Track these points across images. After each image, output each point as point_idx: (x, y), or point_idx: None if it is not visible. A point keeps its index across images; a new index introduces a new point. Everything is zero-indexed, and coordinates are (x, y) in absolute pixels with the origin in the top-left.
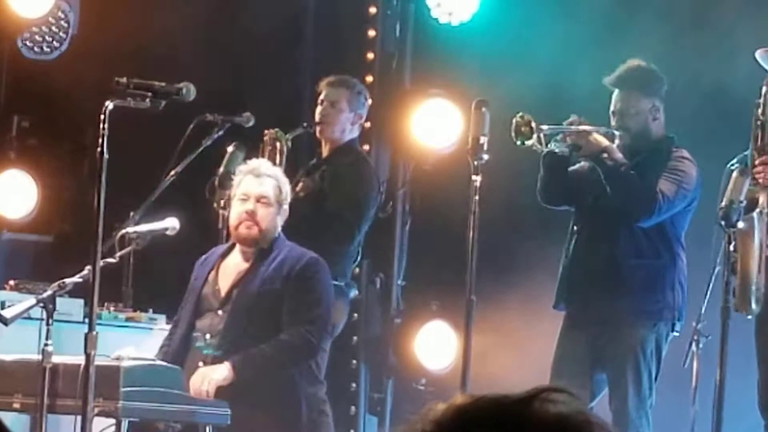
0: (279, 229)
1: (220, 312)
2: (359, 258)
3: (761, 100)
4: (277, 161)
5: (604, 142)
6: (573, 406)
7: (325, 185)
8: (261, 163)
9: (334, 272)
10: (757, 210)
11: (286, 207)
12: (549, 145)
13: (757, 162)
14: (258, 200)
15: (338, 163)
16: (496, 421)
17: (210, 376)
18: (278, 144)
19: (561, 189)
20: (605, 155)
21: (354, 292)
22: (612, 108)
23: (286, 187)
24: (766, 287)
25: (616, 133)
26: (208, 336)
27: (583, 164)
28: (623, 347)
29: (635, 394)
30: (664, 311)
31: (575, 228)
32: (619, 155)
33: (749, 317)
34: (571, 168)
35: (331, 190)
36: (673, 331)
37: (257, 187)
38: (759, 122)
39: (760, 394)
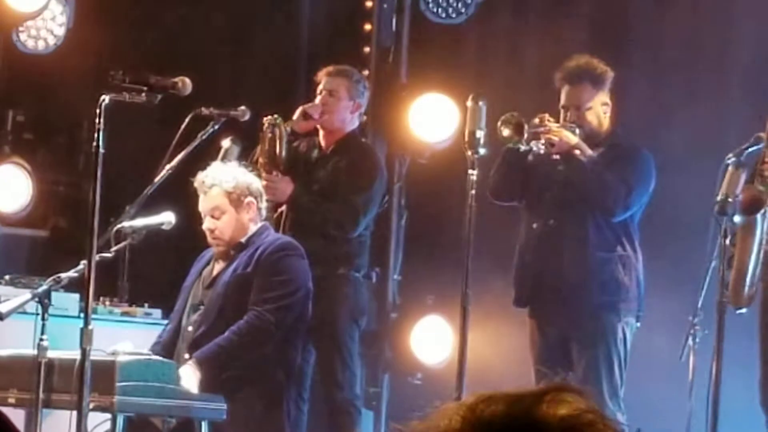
0: (254, 223)
1: (202, 306)
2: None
3: None
4: (277, 148)
5: (575, 138)
6: (583, 404)
7: (335, 178)
8: (204, 175)
9: (353, 263)
10: (762, 211)
11: (249, 199)
12: (530, 144)
13: (766, 160)
14: (211, 215)
15: (345, 155)
16: (507, 420)
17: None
18: (277, 130)
19: (517, 184)
20: (577, 152)
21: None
22: (563, 103)
23: (239, 180)
24: (765, 282)
25: (577, 130)
26: (190, 329)
27: (535, 159)
28: (594, 338)
29: (608, 382)
30: (631, 302)
31: (534, 225)
32: (589, 151)
33: (740, 311)
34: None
35: (342, 181)
36: (637, 322)
37: (205, 203)
38: None
39: (762, 390)
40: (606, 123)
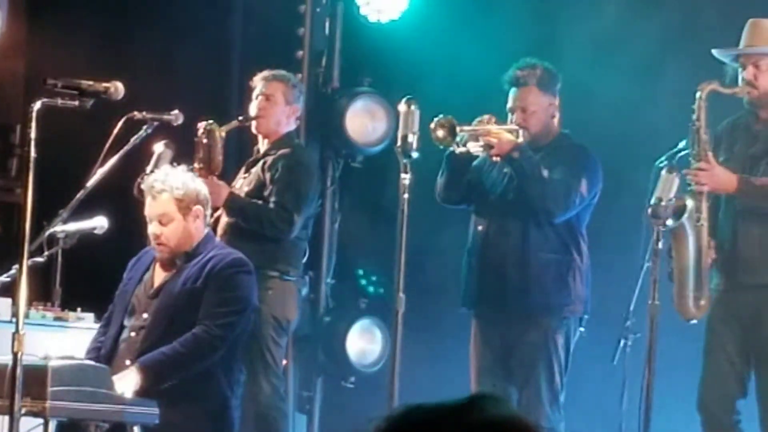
0: (200, 231)
1: (144, 315)
2: (307, 254)
3: (695, 106)
4: (212, 154)
5: (514, 140)
6: (507, 411)
7: (265, 177)
8: (154, 179)
9: (283, 266)
10: (686, 215)
11: (197, 207)
12: (467, 146)
13: (692, 167)
14: (159, 221)
15: (277, 154)
16: (436, 428)
17: (121, 386)
18: (215, 135)
19: (462, 187)
20: (516, 154)
21: (305, 290)
22: (510, 105)
23: (189, 188)
24: (713, 289)
25: (521, 131)
26: (133, 334)
27: (482, 161)
28: (535, 342)
29: (548, 388)
30: (574, 305)
31: (479, 228)
32: (530, 153)
33: (692, 322)
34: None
35: (272, 180)
36: (580, 325)
37: (154, 208)
38: (695, 127)
39: (701, 392)
40: (553, 126)
